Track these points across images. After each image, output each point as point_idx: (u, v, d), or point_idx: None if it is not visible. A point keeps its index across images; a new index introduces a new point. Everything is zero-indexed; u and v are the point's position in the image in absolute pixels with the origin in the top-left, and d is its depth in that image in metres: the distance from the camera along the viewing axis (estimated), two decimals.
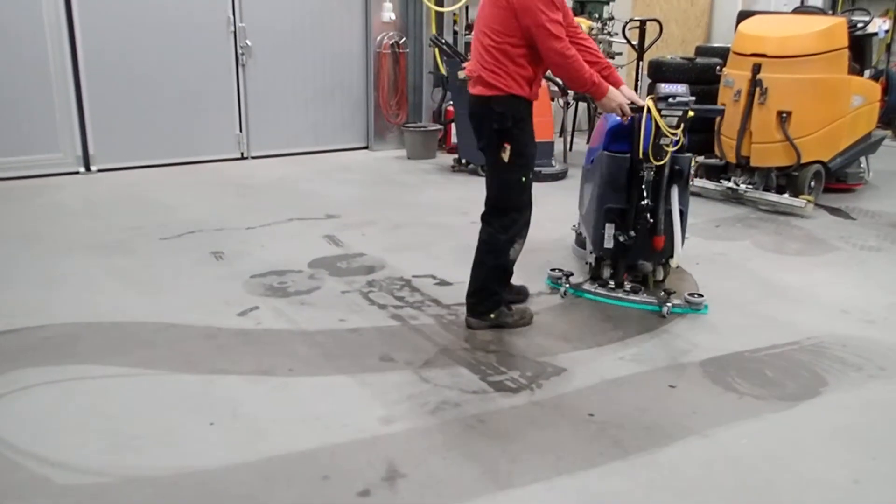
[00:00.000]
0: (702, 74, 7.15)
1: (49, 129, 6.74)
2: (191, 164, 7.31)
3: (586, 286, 4.24)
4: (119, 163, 7.04)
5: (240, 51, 7.43)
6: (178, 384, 3.22)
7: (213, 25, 7.29)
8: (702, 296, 4.05)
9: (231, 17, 7.33)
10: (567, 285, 4.23)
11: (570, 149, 8.16)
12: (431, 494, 2.52)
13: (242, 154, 7.69)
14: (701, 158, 6.62)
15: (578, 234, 4.74)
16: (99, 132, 6.94)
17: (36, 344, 3.55)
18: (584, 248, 4.48)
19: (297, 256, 4.75)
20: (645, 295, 4.12)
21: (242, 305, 4.02)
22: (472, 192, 6.45)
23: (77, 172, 6.91)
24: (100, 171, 6.99)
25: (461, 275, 4.46)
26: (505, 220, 3.68)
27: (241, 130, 7.62)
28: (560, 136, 8.08)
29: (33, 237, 5.10)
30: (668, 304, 3.97)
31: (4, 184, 6.46)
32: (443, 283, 4.39)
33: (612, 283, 4.21)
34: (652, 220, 3.98)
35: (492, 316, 3.76)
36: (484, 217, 3.76)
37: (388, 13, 7.97)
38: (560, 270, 4.30)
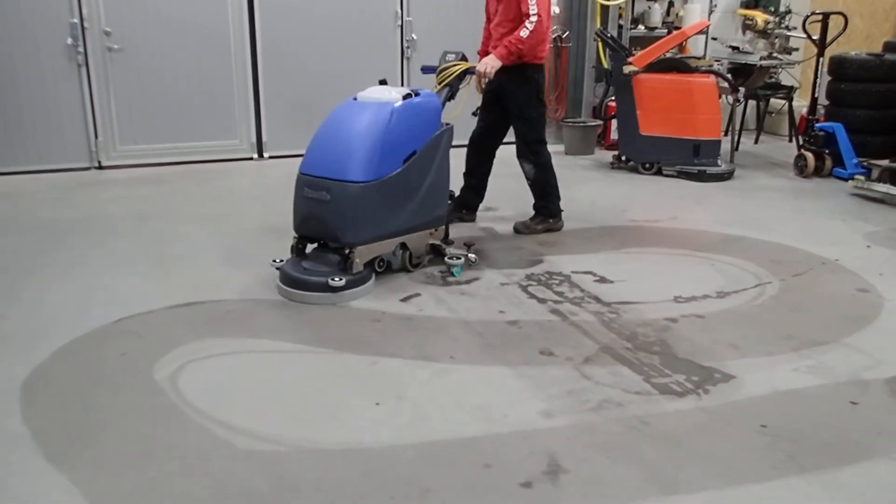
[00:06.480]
0: (891, 72, 6.66)
1: (229, 118, 7.24)
2: None
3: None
4: (288, 150, 7.39)
5: (405, 44, 7.61)
6: (346, 363, 3.35)
7: (382, 20, 7.52)
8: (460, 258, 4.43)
9: (399, 11, 7.53)
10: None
11: (737, 148, 7.80)
12: (595, 493, 2.48)
13: None
14: (885, 162, 6.13)
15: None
16: (272, 122, 7.37)
17: (219, 316, 3.81)
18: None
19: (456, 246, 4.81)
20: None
21: (405, 292, 4.12)
22: (634, 190, 6.30)
23: (251, 158, 7.35)
24: (271, 157, 7.40)
25: (621, 272, 4.40)
26: None
27: None
28: (727, 134, 7.74)
29: (213, 217, 5.47)
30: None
31: (189, 167, 6.98)
32: (603, 280, 4.31)
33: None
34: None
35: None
36: None
37: (553, 6, 7.90)
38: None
